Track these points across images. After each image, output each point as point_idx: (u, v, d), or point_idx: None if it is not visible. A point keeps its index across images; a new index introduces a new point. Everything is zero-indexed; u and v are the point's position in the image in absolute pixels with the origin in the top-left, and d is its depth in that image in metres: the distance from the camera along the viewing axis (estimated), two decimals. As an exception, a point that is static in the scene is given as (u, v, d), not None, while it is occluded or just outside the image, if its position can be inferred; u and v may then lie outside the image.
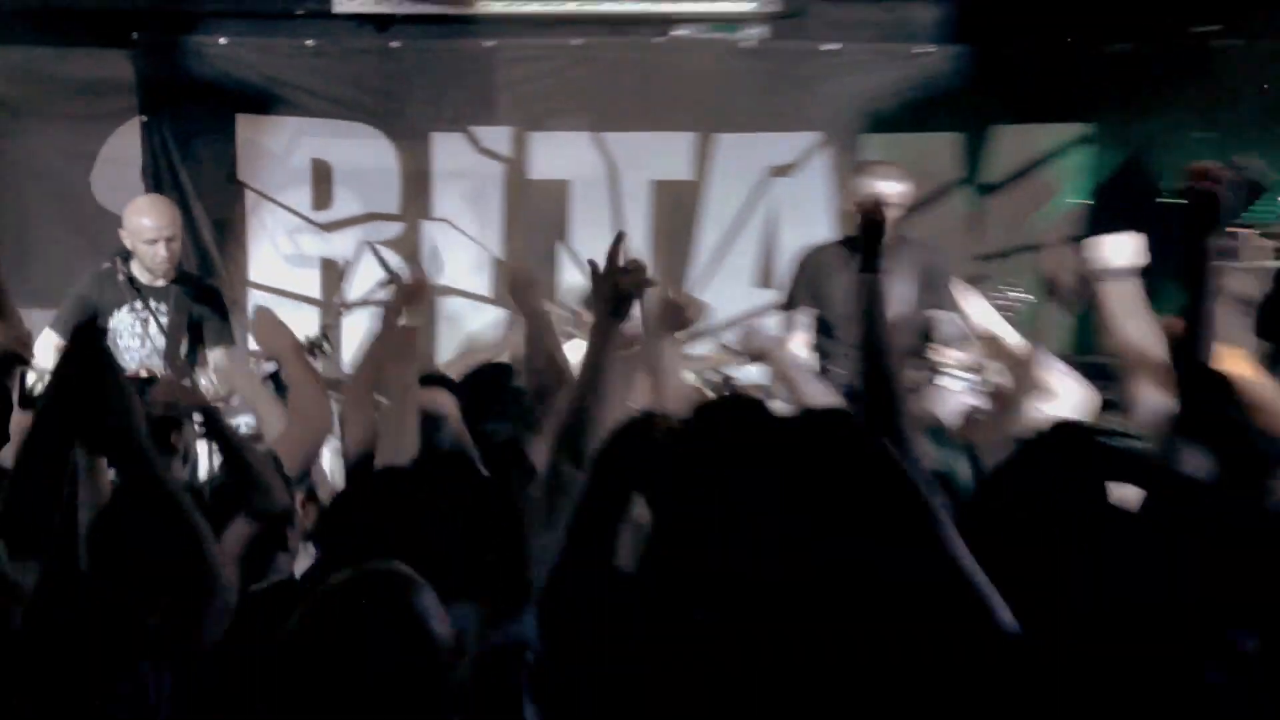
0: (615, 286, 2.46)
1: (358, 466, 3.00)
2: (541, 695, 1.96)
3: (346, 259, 5.87)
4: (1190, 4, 5.73)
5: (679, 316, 3.03)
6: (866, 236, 2.46)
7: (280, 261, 5.92)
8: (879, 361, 2.31)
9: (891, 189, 4.33)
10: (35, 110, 5.87)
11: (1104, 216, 5.13)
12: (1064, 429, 2.54)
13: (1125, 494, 2.39)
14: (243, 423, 3.93)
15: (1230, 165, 4.58)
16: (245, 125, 6.07)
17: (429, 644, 1.77)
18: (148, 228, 4.29)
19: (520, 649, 2.10)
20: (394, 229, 6.10)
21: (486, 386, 3.76)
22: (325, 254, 5.97)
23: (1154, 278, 4.19)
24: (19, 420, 3.01)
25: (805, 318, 4.31)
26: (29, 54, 5.83)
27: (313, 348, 4.16)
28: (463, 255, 5.85)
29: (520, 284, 3.36)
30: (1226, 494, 2.14)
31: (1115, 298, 2.90)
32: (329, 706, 1.69)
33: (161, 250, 4.24)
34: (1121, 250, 2.95)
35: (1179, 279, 2.99)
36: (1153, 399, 2.80)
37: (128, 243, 4.28)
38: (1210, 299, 2.69)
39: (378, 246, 6.04)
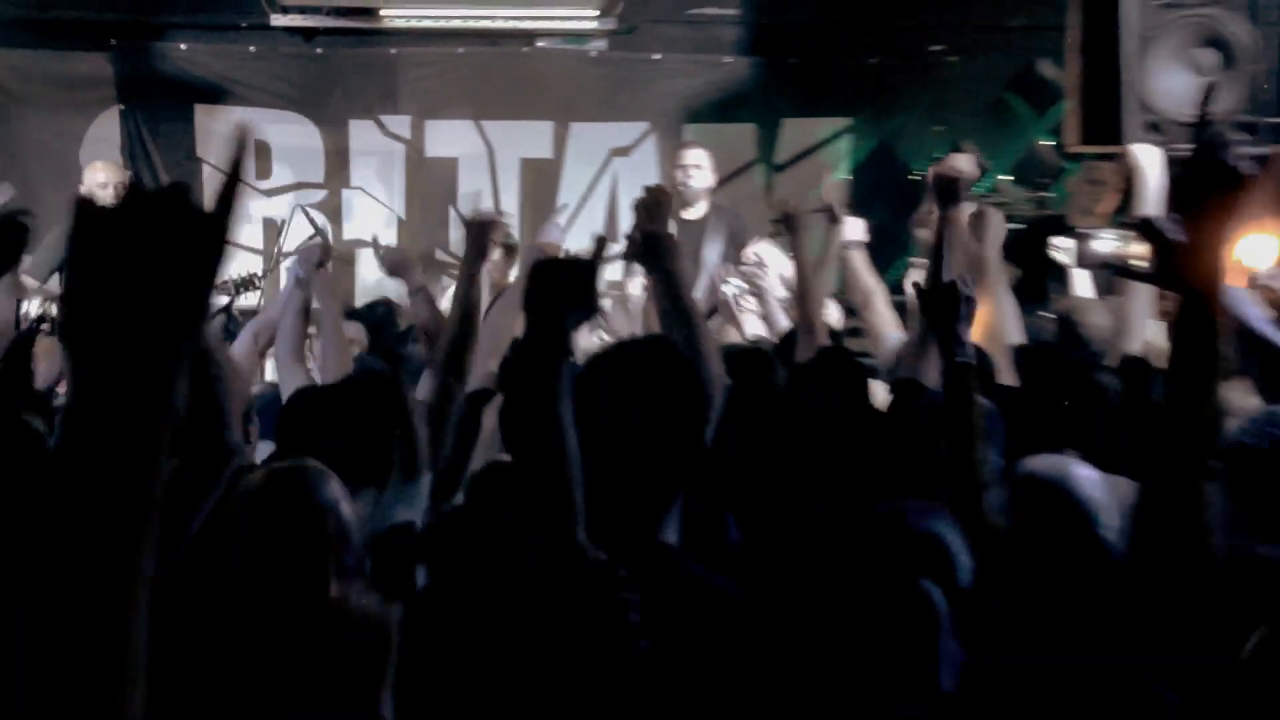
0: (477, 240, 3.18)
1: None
2: (432, 568, 2.12)
3: (282, 218, 6.49)
4: (924, 28, 6.74)
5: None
6: (648, 211, 2.58)
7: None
8: (673, 298, 2.41)
9: (703, 164, 5.32)
10: (35, 100, 6.55)
11: (862, 189, 5.95)
12: (834, 351, 3.29)
13: (879, 396, 3.14)
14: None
15: (956, 150, 5.78)
16: (202, 113, 6.67)
17: (337, 526, 1.82)
18: (100, 180, 5.28)
19: (410, 528, 2.30)
20: (319, 195, 6.82)
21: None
22: (266, 214, 6.63)
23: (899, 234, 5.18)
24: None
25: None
26: (30, 56, 6.49)
27: (248, 282, 5.15)
28: (372, 216, 6.60)
29: (396, 265, 3.97)
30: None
31: (852, 260, 3.96)
32: (253, 583, 1.75)
33: (113, 194, 5.05)
34: (856, 229, 4.07)
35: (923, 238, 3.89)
36: (881, 330, 3.73)
37: (85, 193, 5.20)
38: (952, 249, 3.32)
39: (306, 208, 6.51)
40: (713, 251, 5.28)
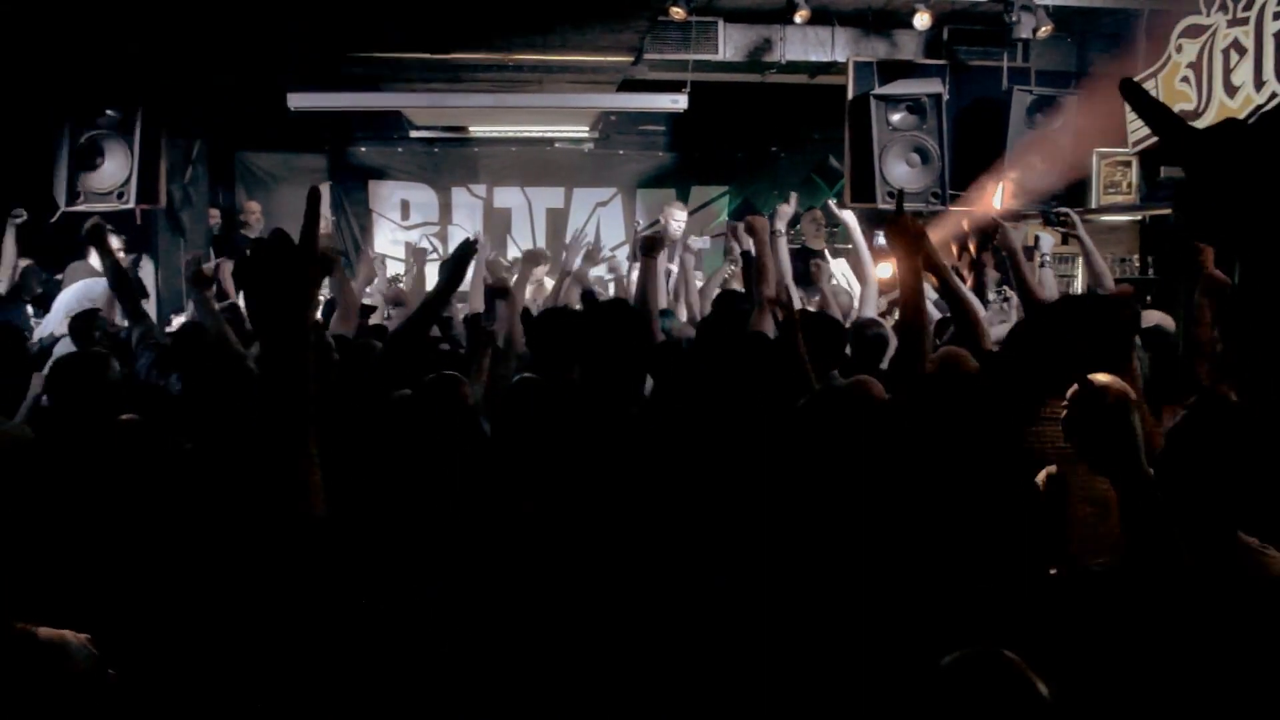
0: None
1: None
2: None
3: (413, 240, 9.26)
4: (768, 138, 9.79)
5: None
6: (649, 239, 4.23)
7: (389, 243, 10.06)
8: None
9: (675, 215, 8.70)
10: (283, 180, 9.84)
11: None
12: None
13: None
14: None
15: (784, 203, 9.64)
16: (373, 185, 9.97)
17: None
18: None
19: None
20: (435, 229, 10.15)
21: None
22: (407, 239, 9.65)
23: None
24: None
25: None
26: (280, 156, 9.88)
27: (398, 278, 8.54)
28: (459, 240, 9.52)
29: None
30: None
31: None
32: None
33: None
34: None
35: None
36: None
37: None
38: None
39: (429, 235, 9.96)
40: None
